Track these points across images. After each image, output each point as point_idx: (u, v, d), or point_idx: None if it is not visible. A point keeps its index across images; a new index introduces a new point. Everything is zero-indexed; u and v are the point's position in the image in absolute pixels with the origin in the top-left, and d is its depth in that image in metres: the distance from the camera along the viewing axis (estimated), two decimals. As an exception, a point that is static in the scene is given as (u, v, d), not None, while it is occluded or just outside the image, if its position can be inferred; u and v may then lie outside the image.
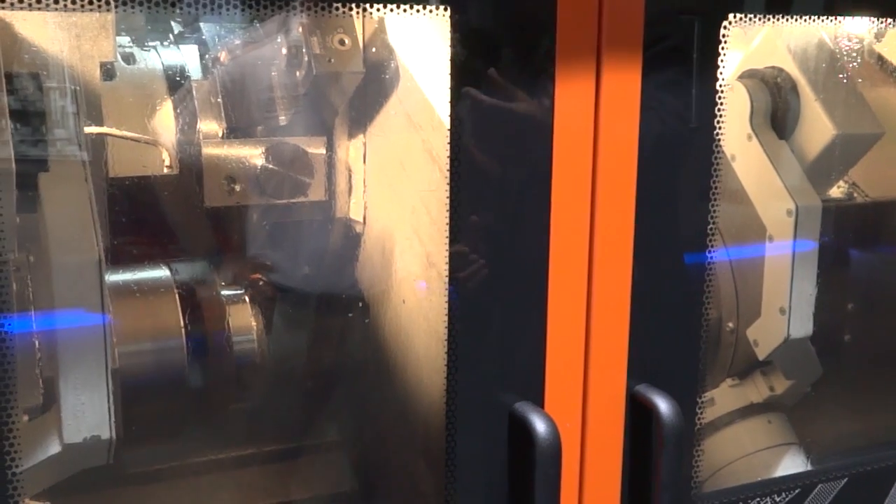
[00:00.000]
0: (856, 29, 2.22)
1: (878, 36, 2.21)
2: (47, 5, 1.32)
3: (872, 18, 2.04)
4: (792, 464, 2.30)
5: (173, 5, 1.41)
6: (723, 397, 2.32)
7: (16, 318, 1.41)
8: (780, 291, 2.11)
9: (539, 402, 1.73)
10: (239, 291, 2.12)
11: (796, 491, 2.05)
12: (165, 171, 2.06)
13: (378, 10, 1.55)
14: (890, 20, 2.04)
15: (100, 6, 1.36)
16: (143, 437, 1.84)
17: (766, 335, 2.18)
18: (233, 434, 2.18)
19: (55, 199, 1.55)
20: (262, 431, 2.21)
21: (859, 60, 2.24)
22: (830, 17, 1.95)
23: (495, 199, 1.68)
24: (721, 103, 1.79)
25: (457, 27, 1.57)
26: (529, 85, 1.64)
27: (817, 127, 2.14)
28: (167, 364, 1.93)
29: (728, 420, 2.31)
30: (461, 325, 1.69)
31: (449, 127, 1.64)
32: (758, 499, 2.00)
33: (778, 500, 2.02)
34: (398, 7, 1.55)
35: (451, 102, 1.62)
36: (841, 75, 2.19)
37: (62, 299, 1.51)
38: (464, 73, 1.60)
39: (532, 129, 1.66)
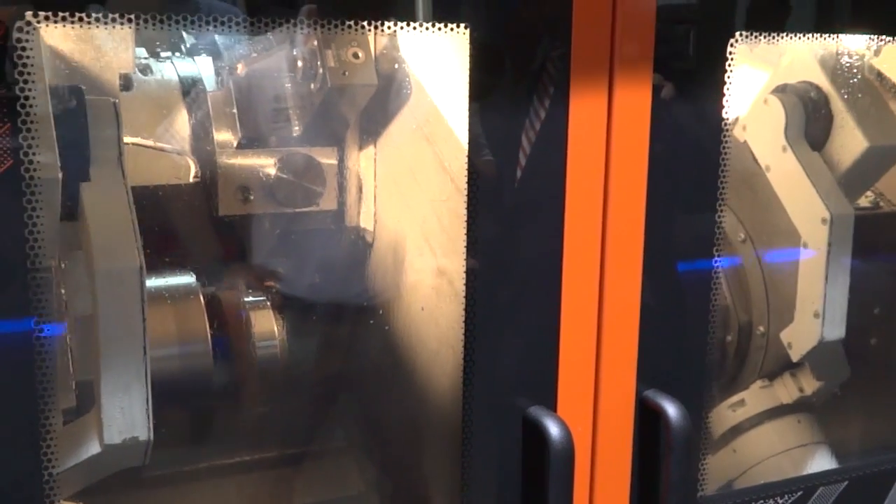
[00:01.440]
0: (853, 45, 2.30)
1: (876, 52, 2.29)
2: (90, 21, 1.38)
3: (871, 36, 2.11)
4: (820, 463, 2.38)
5: (193, 23, 1.46)
6: (753, 398, 2.42)
7: (52, 323, 1.48)
8: (815, 296, 2.19)
9: (552, 406, 1.79)
10: (261, 298, 2.18)
11: (798, 493, 2.11)
12: (192, 180, 2.12)
13: (400, 27, 1.60)
14: (887, 37, 2.11)
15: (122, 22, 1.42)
16: (170, 439, 1.89)
17: (800, 338, 2.26)
18: (252, 438, 2.24)
19: (97, 208, 1.61)
20: (279, 435, 2.28)
21: (856, 75, 2.32)
22: (831, 35, 2.03)
23: (511, 210, 1.75)
24: (729, 116, 1.85)
25: (475, 44, 1.64)
26: (543, 99, 1.71)
27: (850, 139, 2.24)
28: (194, 368, 2.00)
29: (758, 420, 2.40)
30: (477, 332, 1.75)
31: (467, 140, 1.70)
32: (761, 501, 2.07)
33: (781, 502, 2.09)
34: (420, 25, 1.61)
35: (469, 116, 1.67)
36: (870, 89, 2.28)
37: (105, 305, 1.57)
38: (482, 89, 1.66)
39: (547, 142, 1.72)
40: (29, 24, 1.35)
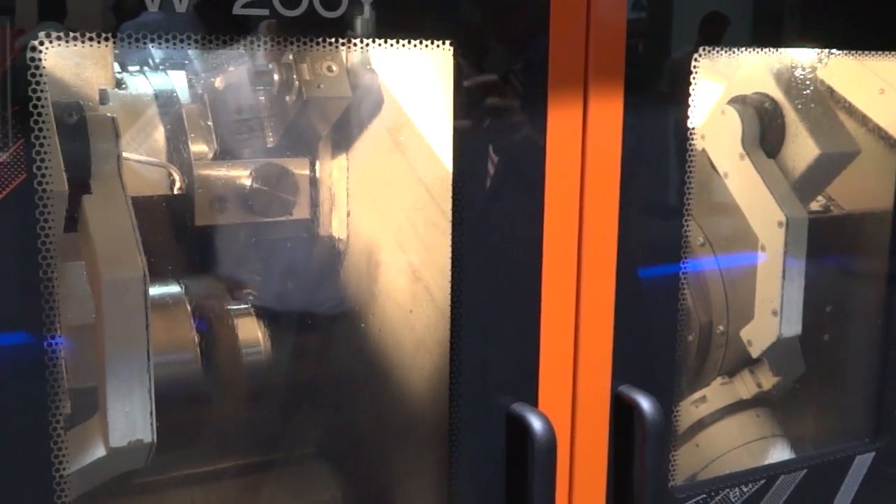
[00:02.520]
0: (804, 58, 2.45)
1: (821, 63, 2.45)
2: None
3: (819, 49, 2.25)
4: (779, 454, 2.50)
5: (188, 40, 1.53)
6: (714, 394, 2.54)
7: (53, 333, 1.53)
8: (772, 295, 2.32)
9: (533, 402, 1.89)
10: (245, 306, 2.24)
11: (761, 482, 2.23)
12: (176, 191, 2.17)
13: (388, 44, 1.68)
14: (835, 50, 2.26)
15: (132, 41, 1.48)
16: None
17: (759, 335, 2.40)
18: (235, 443, 2.29)
19: (100, 219, 1.67)
20: (262, 440, 2.33)
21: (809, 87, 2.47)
22: (785, 48, 2.16)
23: (493, 218, 1.83)
24: (693, 125, 1.96)
25: (459, 61, 1.73)
26: (523, 112, 1.80)
27: (803, 147, 2.37)
28: (182, 376, 2.05)
29: (719, 415, 2.53)
30: (463, 334, 1.83)
31: (452, 149, 1.79)
32: (727, 489, 2.18)
33: (745, 490, 2.20)
34: (407, 42, 1.70)
35: (455, 128, 1.76)
36: (821, 99, 2.42)
37: (110, 313, 1.63)
38: (466, 103, 1.76)
39: (527, 152, 1.81)
40: (42, 43, 1.41)
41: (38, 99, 1.43)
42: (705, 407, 2.53)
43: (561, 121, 1.82)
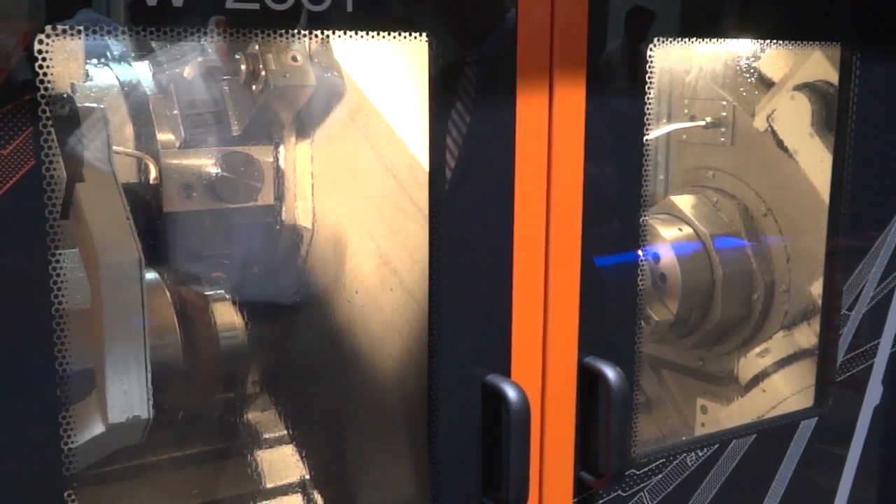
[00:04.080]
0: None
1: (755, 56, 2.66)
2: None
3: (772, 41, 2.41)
4: None
5: (176, 33, 1.61)
6: (776, 346, 2.82)
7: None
8: None
9: (506, 373, 2.00)
10: (220, 290, 2.31)
11: (715, 447, 2.38)
12: (152, 181, 2.24)
13: (368, 36, 1.78)
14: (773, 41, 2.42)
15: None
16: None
17: None
18: (212, 426, 2.37)
19: (94, 206, 1.74)
20: (240, 424, 2.41)
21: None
22: (737, 39, 2.31)
23: (467, 201, 1.94)
24: (650, 110, 2.10)
25: (433, 51, 1.83)
26: (494, 100, 1.92)
27: None
28: (164, 359, 2.12)
29: (781, 364, 2.80)
30: (441, 311, 1.94)
31: (428, 136, 1.89)
32: (684, 454, 2.32)
33: (700, 454, 2.35)
34: (381, 34, 1.79)
35: (430, 116, 1.87)
36: None
37: (108, 295, 1.70)
38: (440, 93, 1.86)
39: (496, 138, 1.93)
40: (48, 35, 1.49)
41: (46, 89, 1.50)
42: (769, 357, 2.80)
43: (529, 107, 1.93)
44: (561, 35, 1.94)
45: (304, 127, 2.43)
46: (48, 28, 1.49)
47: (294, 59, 2.27)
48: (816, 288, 2.69)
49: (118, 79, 2.31)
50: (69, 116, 1.77)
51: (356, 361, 2.40)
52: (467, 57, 1.91)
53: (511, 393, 1.93)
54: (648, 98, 2.08)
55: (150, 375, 1.76)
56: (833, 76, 2.53)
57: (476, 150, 1.93)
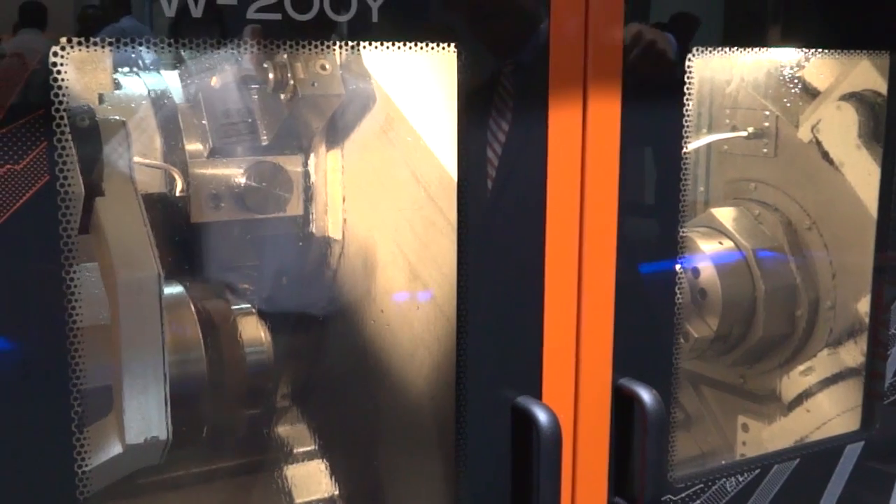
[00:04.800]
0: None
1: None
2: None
3: (817, 50, 2.32)
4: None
5: (206, 45, 1.57)
6: (821, 365, 2.71)
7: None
8: None
9: (537, 395, 1.93)
10: (246, 305, 2.27)
11: (756, 471, 2.29)
12: (179, 194, 2.21)
13: (394, 47, 1.73)
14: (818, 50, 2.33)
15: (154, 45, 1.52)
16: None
17: None
18: (238, 442, 2.33)
19: (114, 221, 1.70)
20: (265, 439, 2.37)
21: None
22: (781, 48, 2.23)
23: (497, 216, 1.88)
24: (688, 123, 2.02)
25: (463, 63, 1.77)
26: (525, 112, 1.85)
27: None
28: (189, 375, 2.08)
29: (827, 383, 2.69)
30: (469, 329, 1.88)
31: (457, 150, 1.83)
32: (724, 479, 2.24)
33: (741, 479, 2.26)
34: (409, 44, 1.74)
35: (459, 129, 1.81)
36: None
37: (126, 313, 1.66)
38: (469, 104, 1.80)
39: (528, 151, 1.86)
40: (63, 48, 1.44)
41: (60, 103, 1.46)
42: (814, 376, 2.70)
43: (562, 119, 1.87)
44: (595, 44, 1.87)
45: (334, 137, 2.39)
46: (62, 40, 1.44)
47: (323, 67, 2.23)
48: (863, 305, 2.59)
49: (147, 88, 2.29)
50: (89, 129, 1.74)
51: (385, 378, 2.35)
52: (497, 68, 1.84)
53: (542, 416, 1.86)
54: (687, 109, 2.00)
55: (168, 395, 1.71)
56: (882, 86, 2.44)
57: (506, 163, 1.87)
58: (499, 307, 1.90)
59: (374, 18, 1.68)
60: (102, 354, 1.75)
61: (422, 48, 1.74)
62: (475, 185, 1.85)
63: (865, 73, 2.50)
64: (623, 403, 2.02)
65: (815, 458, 2.40)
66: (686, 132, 2.02)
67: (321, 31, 1.64)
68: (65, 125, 1.47)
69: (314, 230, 2.45)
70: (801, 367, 2.78)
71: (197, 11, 1.54)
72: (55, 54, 1.44)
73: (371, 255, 2.38)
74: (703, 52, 2.01)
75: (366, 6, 1.66)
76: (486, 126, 1.83)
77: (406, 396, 2.29)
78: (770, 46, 2.26)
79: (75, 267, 1.51)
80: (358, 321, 2.41)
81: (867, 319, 2.56)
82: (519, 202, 1.88)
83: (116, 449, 1.71)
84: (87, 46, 1.46)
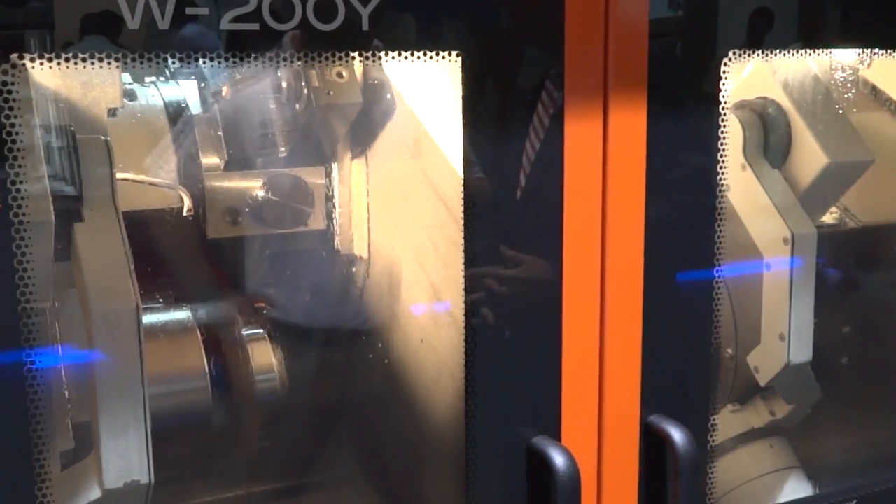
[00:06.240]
0: (845, 59, 2.29)
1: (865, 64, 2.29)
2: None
3: (861, 50, 2.10)
4: (796, 487, 2.33)
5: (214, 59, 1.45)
6: (724, 423, 2.34)
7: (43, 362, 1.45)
8: (779, 318, 2.15)
9: (556, 435, 1.77)
10: (258, 330, 2.16)
11: (807, 515, 2.09)
12: (185, 213, 2.10)
13: (388, 56, 1.59)
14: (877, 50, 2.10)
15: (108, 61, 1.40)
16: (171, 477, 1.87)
17: (766, 362, 2.22)
18: (251, 470, 2.22)
19: (91, 249, 1.60)
20: (279, 467, 2.25)
21: (850, 89, 2.31)
22: (824, 50, 2.02)
23: (509, 238, 1.73)
24: (724, 135, 1.84)
25: (468, 72, 1.62)
26: (539, 125, 1.69)
27: (810, 156, 2.20)
28: (192, 405, 1.97)
29: (730, 446, 2.33)
30: (477, 360, 1.73)
31: (462, 166, 1.68)
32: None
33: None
34: (410, 54, 1.60)
35: (464, 145, 1.66)
36: (831, 105, 2.25)
37: (101, 346, 1.55)
38: (475, 116, 1.65)
39: (544, 168, 1.70)
40: (14, 66, 1.33)
41: (13, 125, 1.35)
42: (716, 436, 2.31)
43: (579, 133, 1.71)
44: (617, 51, 1.70)
45: (357, 147, 2.27)
46: (13, 57, 1.33)
47: (340, 75, 2.11)
48: (754, 359, 2.27)
49: (164, 99, 2.19)
50: (67, 150, 1.63)
51: (408, 406, 2.22)
52: (507, 77, 1.69)
53: (559, 460, 1.70)
54: (723, 120, 1.82)
55: (149, 436, 1.59)
56: (776, 92, 2.21)
57: (520, 181, 1.71)
58: (512, 335, 1.75)
59: (364, 26, 1.54)
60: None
61: (418, 58, 1.59)
62: (484, 204, 1.70)
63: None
64: (653, 443, 1.84)
65: (875, 498, 2.19)
66: (722, 146, 1.84)
67: (301, 41, 1.50)
68: (18, 149, 1.36)
69: (338, 246, 2.33)
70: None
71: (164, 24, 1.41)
72: (5, 73, 1.33)
73: (396, 275, 2.25)
74: (740, 56, 1.82)
75: (355, 13, 1.52)
76: (494, 140, 1.68)
77: (430, 427, 2.15)
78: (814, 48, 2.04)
79: (34, 299, 1.40)
80: (383, 345, 2.28)
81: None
82: (533, 221, 1.73)
83: (94, 493, 1.60)
84: (42, 62, 1.35)
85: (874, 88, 2.31)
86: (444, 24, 1.64)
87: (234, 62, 1.47)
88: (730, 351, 2.30)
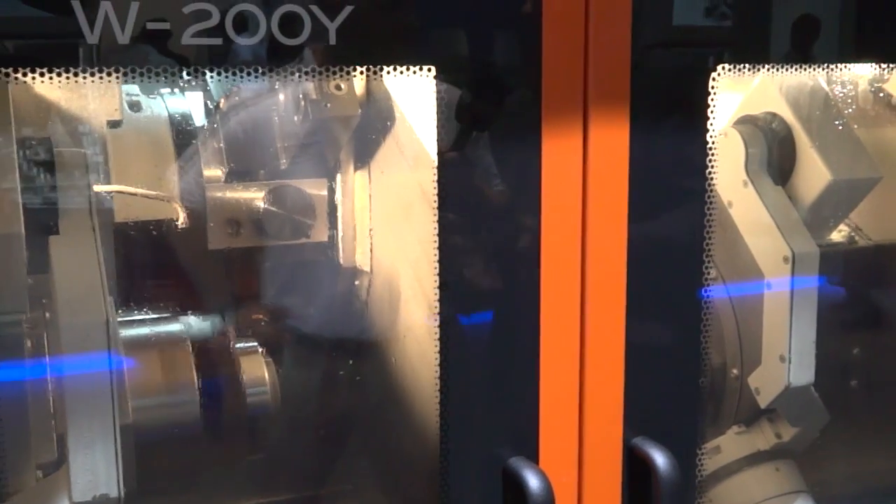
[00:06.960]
0: (851, 74, 2.22)
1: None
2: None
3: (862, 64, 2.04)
4: None
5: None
6: (729, 445, 2.30)
7: (29, 374, 1.46)
8: (780, 339, 2.09)
9: (534, 457, 1.73)
10: (251, 343, 2.15)
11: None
12: (181, 226, 2.10)
13: (356, 72, 1.58)
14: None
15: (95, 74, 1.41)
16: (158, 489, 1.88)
17: (766, 383, 2.16)
18: (245, 485, 2.21)
19: (65, 262, 1.61)
20: (274, 481, 2.24)
21: (854, 105, 2.23)
22: (822, 66, 1.96)
23: (485, 254, 1.70)
24: (713, 152, 1.78)
25: (442, 86, 1.60)
26: (515, 142, 1.66)
27: (814, 173, 2.14)
28: (181, 417, 1.97)
29: (736, 468, 2.28)
30: (452, 380, 1.70)
31: (436, 182, 1.65)
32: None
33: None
34: (373, 68, 1.59)
35: (439, 162, 1.63)
36: (837, 120, 2.18)
37: (70, 360, 1.56)
38: (449, 131, 1.62)
39: (521, 186, 1.67)
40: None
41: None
42: (719, 458, 2.29)
43: (558, 150, 1.67)
44: (597, 65, 1.66)
45: (358, 159, 2.25)
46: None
47: (338, 87, 2.10)
48: (756, 380, 2.21)
49: (168, 110, 2.20)
50: (44, 163, 1.64)
51: (407, 420, 2.19)
52: (483, 91, 1.66)
53: (533, 482, 1.66)
54: (710, 136, 1.76)
55: (119, 450, 1.59)
56: (781, 107, 2.15)
57: (494, 199, 1.68)
58: (487, 353, 1.72)
59: (332, 40, 1.52)
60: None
61: (388, 73, 1.57)
62: (459, 222, 1.67)
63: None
64: (636, 467, 1.79)
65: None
66: (710, 162, 1.79)
67: (267, 57, 1.49)
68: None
69: (340, 259, 2.31)
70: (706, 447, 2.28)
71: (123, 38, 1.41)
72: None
73: (395, 288, 2.23)
74: (730, 71, 1.77)
75: (321, 27, 1.51)
76: (468, 157, 1.65)
77: (428, 443, 2.12)
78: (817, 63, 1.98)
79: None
80: (382, 360, 2.26)
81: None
82: (509, 240, 1.70)
83: (65, 506, 1.61)
84: (17, 77, 1.36)
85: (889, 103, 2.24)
86: (417, 38, 1.62)
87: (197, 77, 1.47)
88: (735, 371, 2.24)
